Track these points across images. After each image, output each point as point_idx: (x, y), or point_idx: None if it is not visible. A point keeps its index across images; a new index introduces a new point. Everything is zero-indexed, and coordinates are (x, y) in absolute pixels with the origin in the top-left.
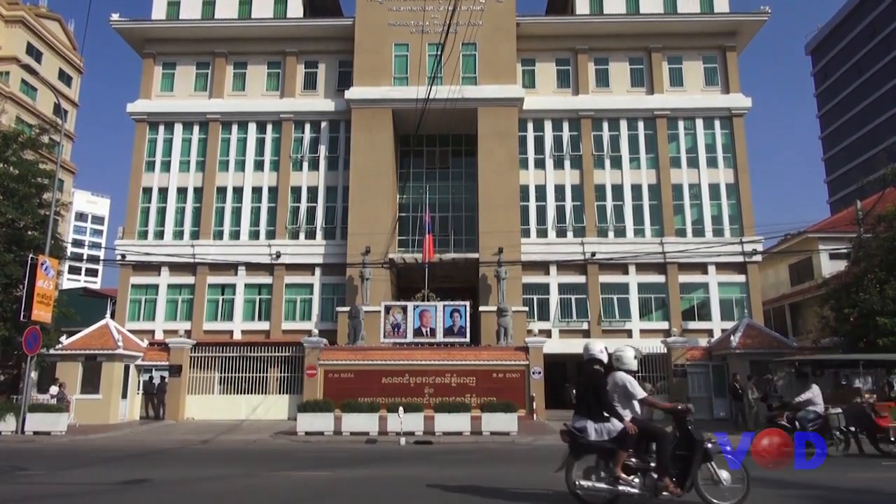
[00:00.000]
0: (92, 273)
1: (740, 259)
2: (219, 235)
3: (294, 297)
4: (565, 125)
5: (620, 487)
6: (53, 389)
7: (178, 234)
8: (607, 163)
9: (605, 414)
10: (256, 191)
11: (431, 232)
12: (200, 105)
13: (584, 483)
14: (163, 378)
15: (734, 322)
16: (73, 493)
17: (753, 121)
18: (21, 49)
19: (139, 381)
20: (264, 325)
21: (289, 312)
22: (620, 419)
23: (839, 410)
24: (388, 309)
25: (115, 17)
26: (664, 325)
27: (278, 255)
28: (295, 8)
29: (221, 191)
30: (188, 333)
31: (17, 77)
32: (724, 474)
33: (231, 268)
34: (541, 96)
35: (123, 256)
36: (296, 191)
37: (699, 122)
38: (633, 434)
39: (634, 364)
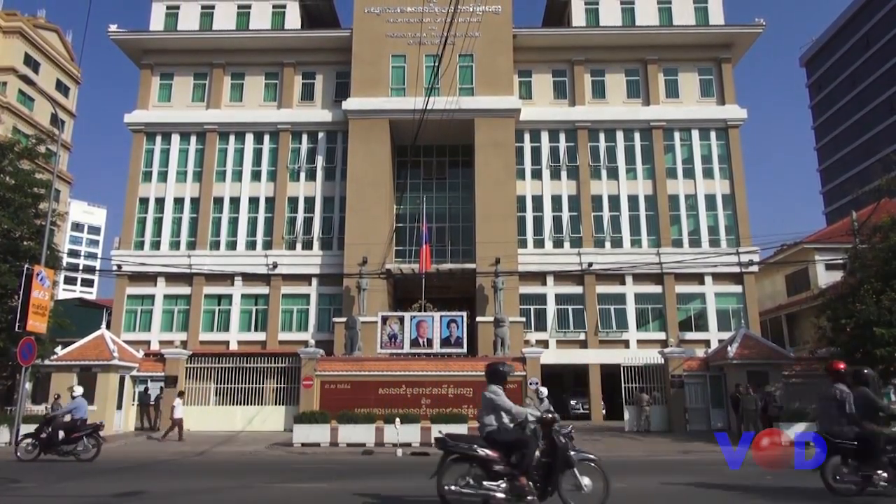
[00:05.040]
0: (88, 283)
1: (737, 270)
2: (215, 246)
3: (290, 307)
4: (562, 136)
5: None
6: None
7: (175, 245)
8: (604, 173)
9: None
10: (253, 201)
11: (428, 242)
12: (198, 115)
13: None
14: (162, 388)
15: (731, 332)
16: None
17: (749, 132)
18: (19, 59)
19: (134, 392)
20: (261, 336)
21: (285, 323)
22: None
23: None
24: (384, 319)
25: (113, 28)
26: (661, 335)
27: (275, 266)
28: (293, 19)
29: (218, 201)
30: (184, 344)
31: (14, 87)
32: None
33: (227, 278)
34: (537, 107)
35: (119, 267)
36: (293, 201)
37: (695, 134)
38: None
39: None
